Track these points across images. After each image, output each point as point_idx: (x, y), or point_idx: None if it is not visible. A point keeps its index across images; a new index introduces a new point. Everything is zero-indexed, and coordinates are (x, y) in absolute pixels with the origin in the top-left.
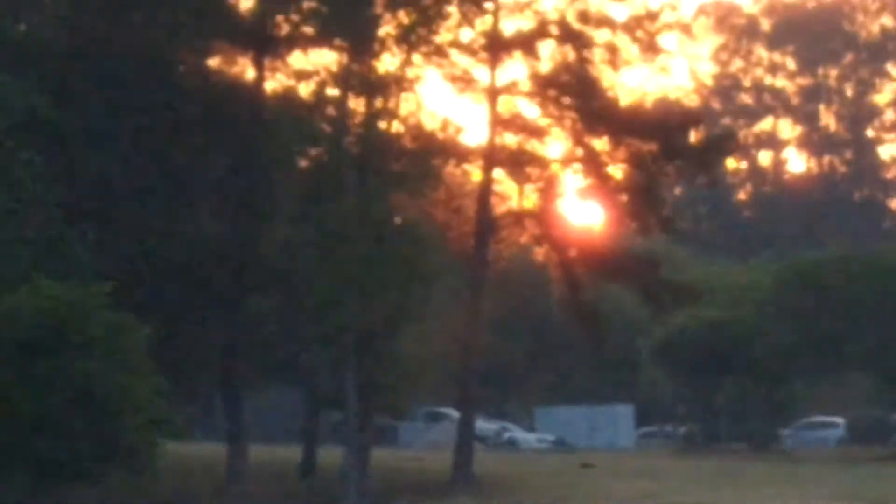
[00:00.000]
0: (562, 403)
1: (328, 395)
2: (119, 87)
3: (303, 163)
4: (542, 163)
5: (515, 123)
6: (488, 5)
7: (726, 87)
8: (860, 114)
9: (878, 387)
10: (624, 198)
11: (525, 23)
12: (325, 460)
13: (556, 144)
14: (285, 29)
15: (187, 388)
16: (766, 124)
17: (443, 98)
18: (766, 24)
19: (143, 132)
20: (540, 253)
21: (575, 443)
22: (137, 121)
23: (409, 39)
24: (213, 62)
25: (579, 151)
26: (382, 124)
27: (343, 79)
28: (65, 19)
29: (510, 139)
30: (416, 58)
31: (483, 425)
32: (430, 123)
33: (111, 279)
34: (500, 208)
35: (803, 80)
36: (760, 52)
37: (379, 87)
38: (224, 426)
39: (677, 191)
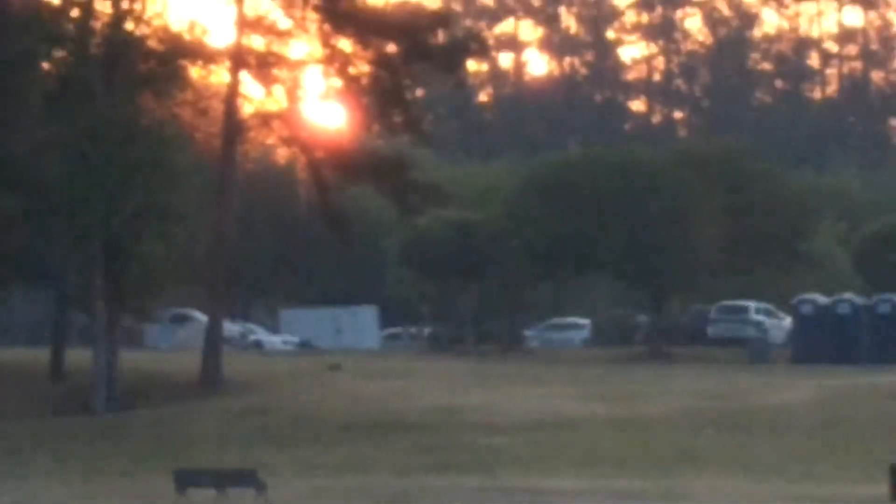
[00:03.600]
0: (307, 305)
1: (76, 296)
2: None
3: (48, 65)
4: (288, 64)
5: (262, 25)
6: None
7: None
8: (601, 15)
9: (623, 288)
10: (370, 99)
11: None
12: (74, 363)
13: (302, 46)
14: None
15: None
16: (507, 26)
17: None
18: None
19: None
20: (287, 154)
21: (320, 344)
22: None
23: None
24: None
25: (325, 52)
26: (129, 26)
27: None
28: None
29: (257, 41)
30: None
31: (228, 327)
32: (177, 25)
33: None
34: (247, 110)
35: None
36: None
37: None
38: None
39: (419, 92)
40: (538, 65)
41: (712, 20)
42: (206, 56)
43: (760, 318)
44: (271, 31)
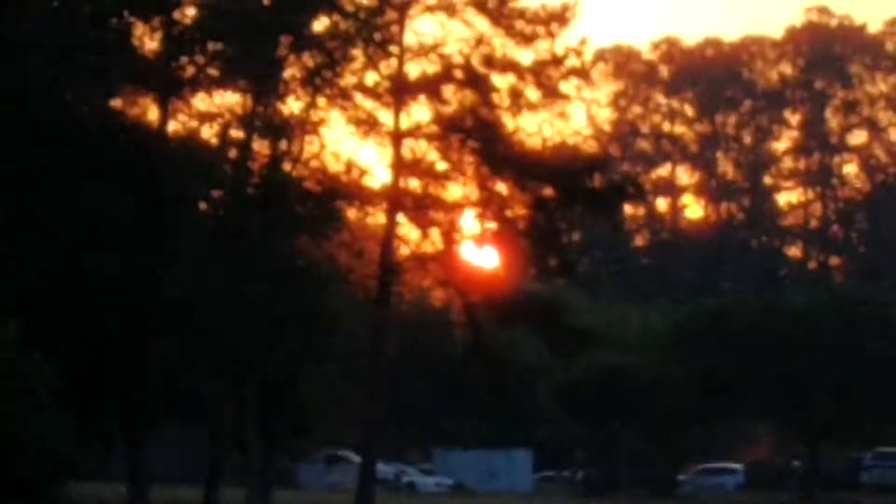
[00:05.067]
0: (460, 447)
1: (231, 436)
2: (23, 125)
3: (205, 205)
4: (444, 206)
5: (419, 167)
6: (393, 48)
7: (624, 134)
8: (757, 161)
9: (775, 432)
10: (525, 242)
11: (430, 66)
12: (228, 502)
13: (458, 188)
14: (190, 71)
15: (93, 428)
16: (663, 170)
17: (347, 141)
18: (664, 71)
19: (45, 171)
20: (442, 296)
21: (473, 487)
22: (40, 158)
23: (313, 82)
24: (116, 103)
25: (482, 195)
26: (286, 167)
27: (247, 121)
28: None
29: (413, 183)
30: (321, 101)
31: (382, 468)
32: (334, 166)
33: (15, 318)
34: (402, 251)
35: (701, 127)
36: (659, 98)
37: (283, 130)
38: (126, 467)
39: (576, 236)
40: (694, 209)
41: (869, 167)
42: (362, 197)
43: None
44: (428, 174)
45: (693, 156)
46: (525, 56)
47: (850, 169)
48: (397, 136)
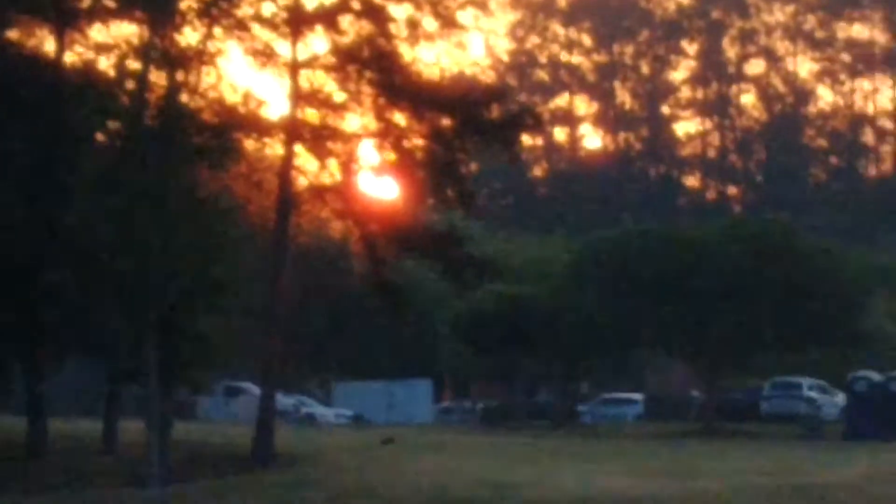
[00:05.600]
0: (360, 379)
1: (129, 368)
2: None
3: (102, 137)
4: (342, 137)
5: (316, 98)
6: None
7: (522, 64)
8: (655, 91)
9: (676, 363)
10: (424, 173)
11: None
12: (127, 435)
13: (356, 119)
14: (86, 1)
15: None
16: (561, 101)
17: (244, 72)
18: (562, 1)
19: None
20: (340, 227)
21: (373, 418)
22: None
23: (210, 13)
24: (12, 34)
25: (380, 126)
26: (183, 98)
27: (144, 52)
28: None
29: (311, 114)
30: (218, 31)
31: (281, 400)
32: (232, 97)
33: None
34: (300, 183)
35: (599, 57)
36: (556, 28)
37: (180, 61)
38: (23, 400)
39: (473, 167)
40: (593, 139)
41: (767, 96)
42: (260, 129)
43: (813, 394)
44: (326, 105)
45: (591, 86)
46: None
47: (748, 99)
48: (294, 67)
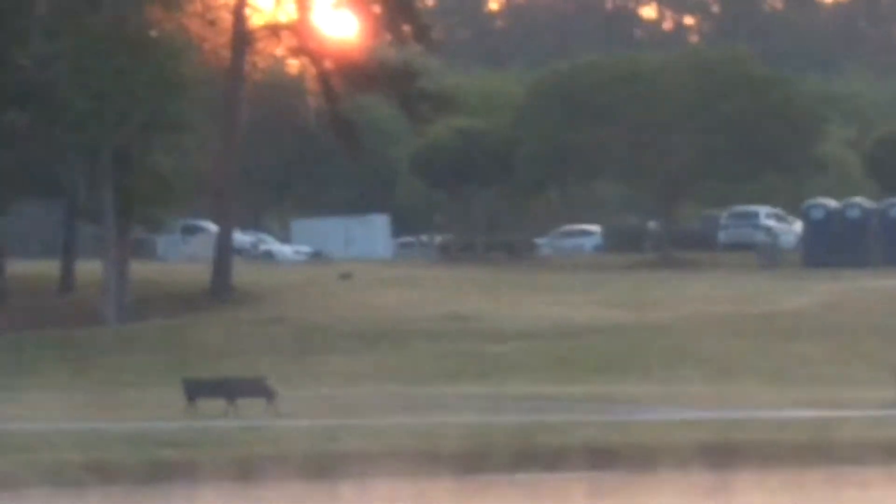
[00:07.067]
0: (318, 215)
1: (86, 208)
2: None
3: None
4: None
5: None
6: None
7: None
8: None
9: (633, 194)
10: (379, 8)
11: None
12: (85, 275)
13: None
14: None
15: None
16: None
17: None
18: None
19: None
20: (296, 65)
21: (332, 254)
22: None
23: None
24: None
25: None
26: None
27: None
28: None
29: None
30: None
31: (239, 237)
32: None
33: None
34: (255, 20)
35: None
36: None
37: None
38: None
39: (429, 1)
40: None
41: None
42: None
43: (771, 223)
44: None
45: None
46: None
47: None
48: None
